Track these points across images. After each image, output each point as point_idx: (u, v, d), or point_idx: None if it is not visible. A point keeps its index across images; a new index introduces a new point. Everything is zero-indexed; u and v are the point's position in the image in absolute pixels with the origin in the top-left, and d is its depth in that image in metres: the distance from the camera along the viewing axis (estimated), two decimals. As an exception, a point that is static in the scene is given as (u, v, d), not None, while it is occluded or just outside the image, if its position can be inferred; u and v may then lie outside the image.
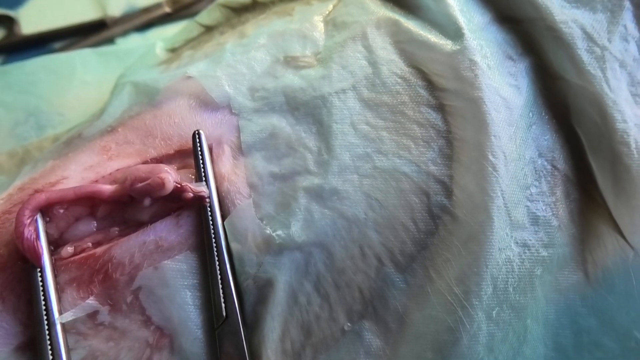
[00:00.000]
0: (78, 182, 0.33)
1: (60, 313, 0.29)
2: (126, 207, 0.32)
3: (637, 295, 0.31)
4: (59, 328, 0.29)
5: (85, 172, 0.34)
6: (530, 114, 0.33)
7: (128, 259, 0.31)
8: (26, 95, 0.48)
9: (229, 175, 0.33)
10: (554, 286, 0.31)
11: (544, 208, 0.31)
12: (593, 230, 0.32)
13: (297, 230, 0.30)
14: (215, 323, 0.30)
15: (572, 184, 0.32)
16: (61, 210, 0.32)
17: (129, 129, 0.35)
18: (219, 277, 0.31)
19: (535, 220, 0.31)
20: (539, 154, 0.32)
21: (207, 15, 0.46)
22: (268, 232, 0.31)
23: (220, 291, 0.30)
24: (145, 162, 0.33)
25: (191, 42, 0.45)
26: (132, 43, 0.57)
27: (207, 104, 0.35)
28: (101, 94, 0.46)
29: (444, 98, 0.32)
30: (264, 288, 0.30)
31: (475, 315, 0.29)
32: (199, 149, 0.33)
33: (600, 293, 0.31)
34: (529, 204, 0.31)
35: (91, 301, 0.30)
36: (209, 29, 0.46)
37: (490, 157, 0.30)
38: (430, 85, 0.33)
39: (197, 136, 0.33)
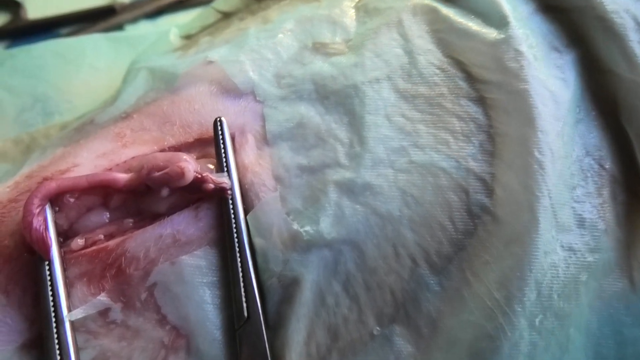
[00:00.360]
0: (90, 170, 0.31)
1: (70, 310, 0.27)
2: (141, 197, 0.30)
3: (686, 305, 0.29)
4: (67, 326, 0.27)
5: (98, 159, 0.31)
6: (578, 110, 0.30)
7: (143, 253, 0.28)
8: (33, 80, 0.46)
9: (253, 166, 0.30)
10: (598, 293, 0.29)
11: (590, 210, 0.29)
12: (640, 234, 0.30)
13: (326, 226, 0.28)
14: (236, 323, 0.28)
15: (619, 185, 0.30)
16: (72, 200, 0.29)
17: (145, 115, 0.33)
18: (241, 274, 0.28)
19: (581, 222, 0.29)
20: (586, 152, 0.30)
21: (225, 1, 0.44)
22: (295, 227, 0.28)
23: (242, 290, 0.28)
24: (162, 150, 0.31)
25: (208, 29, 0.43)
26: (142, 30, 0.55)
27: (229, 90, 0.33)
28: (111, 81, 0.44)
29: (485, 90, 0.30)
30: (290, 287, 0.28)
31: (517, 322, 0.27)
32: (220, 137, 0.30)
33: (646, 302, 0.30)
34: (575, 205, 0.29)
35: (103, 297, 0.28)
36: (226, 16, 0.44)
37: (537, 154, 0.28)
38: (470, 77, 0.31)
39: (218, 124, 0.31)
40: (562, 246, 0.28)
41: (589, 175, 0.30)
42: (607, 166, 0.30)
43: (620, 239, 0.30)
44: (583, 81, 0.31)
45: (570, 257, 0.29)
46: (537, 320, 0.28)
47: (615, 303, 0.30)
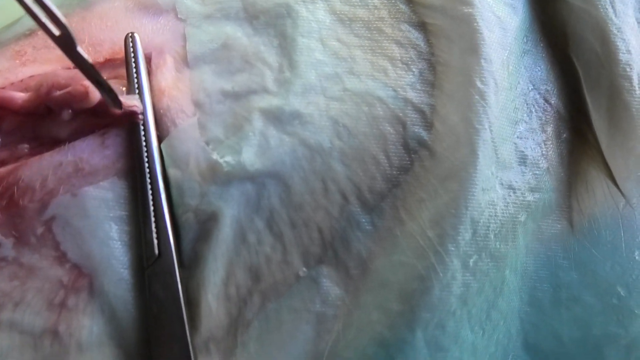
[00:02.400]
0: (-18, 89, 0.26)
1: (-50, 244, 0.24)
2: (40, 120, 0.26)
3: (624, 248, 0.27)
4: (-54, 262, 0.23)
5: (-9, 77, 0.27)
6: (525, 39, 0.28)
7: (39, 182, 0.25)
8: None
9: (170, 89, 0.27)
10: (536, 235, 0.28)
11: (533, 147, 0.27)
12: (582, 174, 0.28)
13: (249, 157, 0.25)
14: (145, 262, 0.25)
15: (564, 121, 0.28)
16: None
17: (51, 31, 0.29)
18: (152, 208, 0.25)
19: (523, 160, 0.27)
20: (532, 85, 0.28)
21: None
22: (215, 157, 0.25)
23: (153, 225, 0.25)
24: (66, 69, 0.27)
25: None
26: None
27: (148, 6, 0.29)
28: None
29: (428, 15, 0.27)
30: (207, 223, 0.25)
31: (450, 262, 0.25)
32: (131, 55, 0.27)
33: (584, 244, 0.28)
34: (517, 141, 0.27)
35: (-10, 231, 0.24)
36: None
37: (479, 84, 0.26)
38: (413, 0, 0.28)
39: (130, 39, 0.27)
40: (502, 184, 0.26)
41: (533, 110, 0.28)
42: (552, 101, 0.28)
43: (562, 178, 0.28)
44: (532, 9, 0.28)
45: (510, 195, 0.27)
46: (471, 260, 0.26)
47: (553, 245, 0.28)
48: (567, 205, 0.28)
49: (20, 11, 0.24)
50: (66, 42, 0.23)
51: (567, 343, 0.28)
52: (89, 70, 0.24)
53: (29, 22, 0.30)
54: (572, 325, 0.28)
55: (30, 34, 0.30)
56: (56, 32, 0.22)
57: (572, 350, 0.28)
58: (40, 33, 0.29)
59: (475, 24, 0.26)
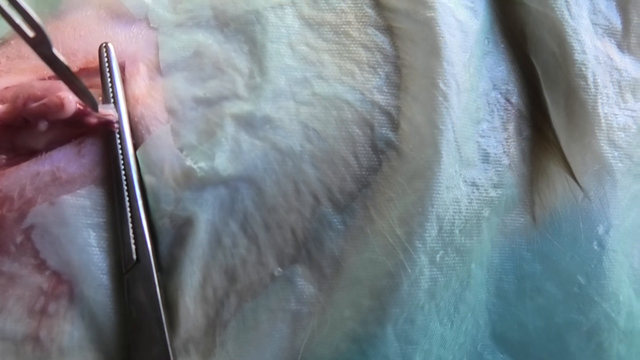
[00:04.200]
0: (-44, 101, 0.26)
1: None
2: (16, 131, 0.26)
3: (583, 239, 0.28)
4: None
5: (-35, 89, 0.27)
6: (486, 41, 0.29)
7: (17, 192, 0.25)
8: None
9: (144, 97, 0.27)
10: (500, 229, 0.28)
11: (495, 145, 0.28)
12: (543, 170, 0.29)
13: (222, 162, 0.25)
14: (124, 267, 0.25)
15: (525, 120, 0.29)
16: None
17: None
18: (129, 214, 0.25)
19: (485, 157, 0.28)
20: (493, 86, 0.28)
21: None
22: (188, 163, 0.25)
23: (130, 231, 0.25)
24: (42, 80, 0.27)
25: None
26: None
27: (120, 15, 0.29)
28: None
29: (393, 19, 0.28)
30: (183, 228, 0.25)
31: (417, 258, 0.26)
32: (106, 64, 0.27)
33: (546, 237, 0.29)
34: (480, 139, 0.28)
35: (-31, 241, 0.24)
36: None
37: (442, 86, 0.26)
38: (378, 4, 0.28)
39: (104, 49, 0.27)
40: (465, 181, 0.27)
41: (495, 109, 0.28)
42: (513, 100, 0.29)
43: (524, 174, 0.29)
44: (493, 12, 0.29)
45: (473, 192, 0.27)
46: (437, 256, 0.26)
47: (517, 238, 0.29)
48: (530, 199, 0.29)
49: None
50: (41, 44, 0.22)
51: (532, 332, 0.29)
52: (64, 72, 0.24)
53: (1, 31, 0.30)
54: (536, 314, 0.29)
55: (2, 43, 0.29)
56: (30, 33, 0.22)
57: (536, 339, 0.29)
58: (14, 42, 0.29)
59: (437, 28, 0.27)
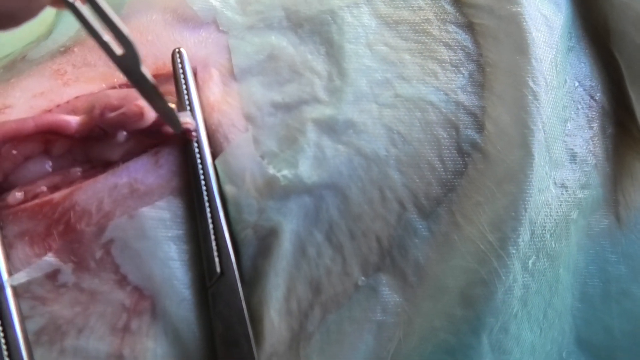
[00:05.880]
0: (26, 112, 0.25)
1: (10, 274, 0.22)
2: (91, 143, 0.24)
3: (671, 239, 0.27)
4: (8, 292, 0.22)
5: (34, 99, 0.25)
6: (569, 36, 0.27)
7: (95, 205, 0.23)
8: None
9: (220, 104, 0.25)
10: (586, 231, 0.27)
11: (581, 144, 0.27)
12: (627, 168, 0.27)
13: (306, 169, 0.24)
14: (208, 281, 0.24)
15: (608, 117, 0.28)
16: (14, 152, 0.24)
17: (89, 48, 0.27)
18: (211, 226, 0.24)
19: (573, 157, 0.26)
20: (578, 82, 0.27)
21: None
22: (271, 172, 0.24)
23: (213, 243, 0.24)
24: (112, 88, 0.26)
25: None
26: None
27: (187, 19, 0.27)
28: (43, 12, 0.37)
29: (474, 15, 0.26)
30: (266, 239, 0.24)
31: (511, 265, 0.24)
32: (180, 70, 0.25)
33: (631, 238, 0.27)
34: (567, 139, 0.26)
35: (49, 258, 0.23)
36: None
37: (531, 84, 0.25)
38: (458, 0, 0.27)
39: (177, 55, 0.25)
40: (555, 183, 0.26)
41: (579, 107, 0.27)
42: (597, 97, 0.27)
43: (608, 173, 0.27)
44: (575, 5, 0.28)
45: (563, 194, 0.26)
46: (530, 261, 0.25)
47: (601, 240, 0.27)
48: (614, 199, 0.28)
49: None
50: (129, 61, 0.21)
51: (619, 336, 0.27)
52: (149, 92, 0.22)
53: (62, 38, 0.29)
54: (623, 318, 0.27)
55: (65, 50, 0.28)
56: (119, 51, 0.21)
57: (623, 343, 0.27)
58: (77, 49, 0.28)
59: (524, 23, 0.25)
